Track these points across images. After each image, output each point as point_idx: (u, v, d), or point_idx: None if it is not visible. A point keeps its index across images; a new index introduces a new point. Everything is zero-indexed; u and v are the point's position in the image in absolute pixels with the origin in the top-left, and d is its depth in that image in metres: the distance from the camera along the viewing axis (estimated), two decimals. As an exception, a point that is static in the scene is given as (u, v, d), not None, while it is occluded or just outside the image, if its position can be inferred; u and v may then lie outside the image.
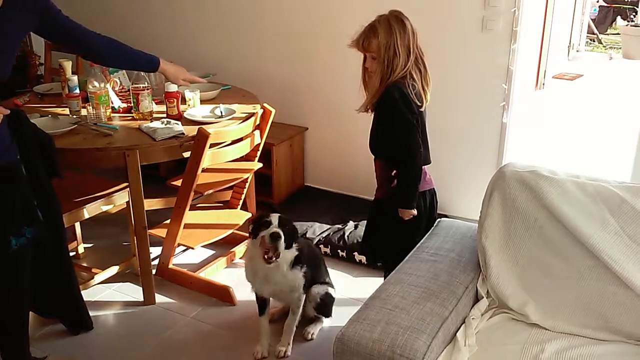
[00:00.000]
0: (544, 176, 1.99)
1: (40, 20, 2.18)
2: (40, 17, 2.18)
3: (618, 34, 9.19)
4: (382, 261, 2.63)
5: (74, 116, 2.85)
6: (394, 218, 2.33)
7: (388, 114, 2.25)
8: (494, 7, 3.02)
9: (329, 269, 2.94)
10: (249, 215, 3.22)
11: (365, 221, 2.63)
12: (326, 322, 2.68)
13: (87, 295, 2.80)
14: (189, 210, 2.84)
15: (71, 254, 2.97)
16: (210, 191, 2.94)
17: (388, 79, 2.22)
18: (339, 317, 2.65)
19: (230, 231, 3.06)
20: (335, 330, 1.80)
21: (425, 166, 2.36)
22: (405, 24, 2.22)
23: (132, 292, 2.92)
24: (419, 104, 2.25)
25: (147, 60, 2.59)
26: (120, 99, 2.99)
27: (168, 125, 2.68)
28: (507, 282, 2.01)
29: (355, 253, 3.12)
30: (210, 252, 3.26)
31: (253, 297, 2.83)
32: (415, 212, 2.31)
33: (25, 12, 2.10)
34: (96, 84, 2.78)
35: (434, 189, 2.43)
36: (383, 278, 2.54)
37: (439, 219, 2.43)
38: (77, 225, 3.16)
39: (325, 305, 2.60)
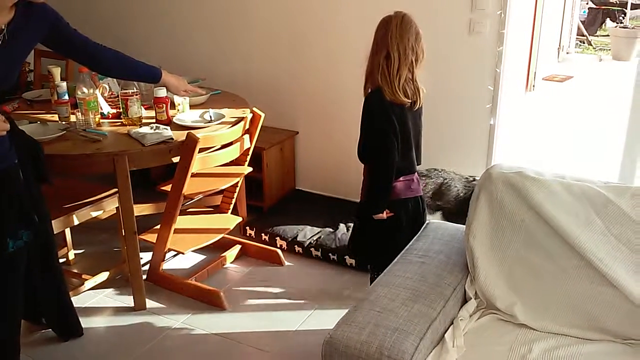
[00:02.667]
0: (530, 177, 2.00)
1: (49, 32, 2.25)
2: (50, 29, 2.24)
3: (607, 35, 9.25)
4: (368, 263, 2.64)
5: (63, 122, 2.85)
6: (373, 220, 2.34)
7: (366, 121, 2.27)
8: (482, 9, 3.04)
9: (319, 272, 2.96)
10: (239, 219, 3.22)
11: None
12: (315, 325, 2.69)
13: (78, 301, 2.80)
14: (179, 215, 2.84)
15: (61, 260, 2.98)
16: (200, 196, 2.95)
17: (370, 78, 2.25)
18: (328, 320, 2.65)
19: (220, 236, 3.05)
20: (324, 332, 1.80)
21: (412, 174, 2.37)
22: (387, 26, 2.21)
23: (123, 298, 2.92)
24: (406, 105, 2.24)
25: (151, 72, 2.66)
26: (109, 105, 2.99)
27: (157, 131, 2.69)
28: (495, 283, 2.02)
29: (347, 257, 3.12)
30: (201, 257, 3.25)
31: (245, 302, 2.85)
32: (384, 215, 2.31)
33: (36, 22, 2.16)
34: (85, 90, 2.79)
35: (420, 196, 2.42)
36: (369, 281, 2.55)
37: (427, 221, 2.44)
38: (67, 232, 3.15)
39: None
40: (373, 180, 2.32)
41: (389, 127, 2.21)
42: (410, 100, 2.25)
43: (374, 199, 2.33)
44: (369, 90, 2.27)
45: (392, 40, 2.20)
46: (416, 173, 2.39)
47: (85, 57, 2.48)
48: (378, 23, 2.26)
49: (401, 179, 2.32)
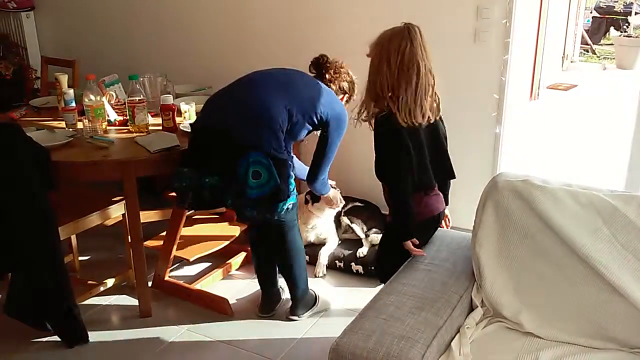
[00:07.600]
0: (537, 185, 2.00)
1: None
2: None
3: (611, 44, 9.27)
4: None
5: (70, 129, 2.86)
6: (397, 243, 2.27)
7: (380, 147, 2.20)
8: (486, 18, 3.04)
9: (325, 280, 2.95)
10: (245, 226, 3.22)
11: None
12: (322, 333, 2.69)
13: (83, 308, 2.80)
14: (185, 222, 2.84)
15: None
16: (206, 203, 2.95)
17: (375, 96, 2.15)
18: (334, 328, 2.65)
19: (226, 243, 3.06)
20: (330, 340, 1.80)
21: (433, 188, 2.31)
22: (411, 38, 2.10)
23: (128, 304, 2.92)
24: (416, 125, 2.15)
25: None
26: (116, 112, 3.01)
27: (164, 138, 2.70)
28: (501, 291, 2.01)
29: (352, 263, 3.12)
30: (206, 264, 3.26)
31: (250, 309, 2.85)
32: (410, 244, 2.20)
33: None
34: (92, 97, 2.80)
35: (439, 214, 2.34)
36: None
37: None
38: (73, 238, 3.16)
39: None
40: (393, 204, 2.25)
41: (403, 150, 2.13)
42: (426, 120, 2.17)
43: (399, 222, 2.25)
44: (380, 113, 2.16)
45: (423, 53, 2.10)
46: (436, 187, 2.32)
47: None
48: (390, 34, 2.12)
49: (430, 193, 2.27)
